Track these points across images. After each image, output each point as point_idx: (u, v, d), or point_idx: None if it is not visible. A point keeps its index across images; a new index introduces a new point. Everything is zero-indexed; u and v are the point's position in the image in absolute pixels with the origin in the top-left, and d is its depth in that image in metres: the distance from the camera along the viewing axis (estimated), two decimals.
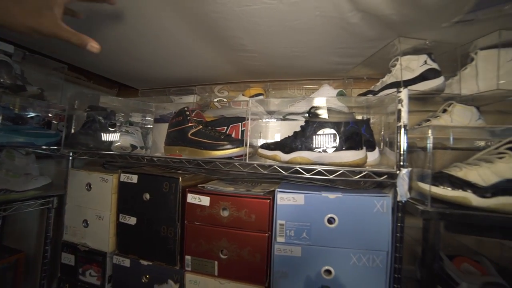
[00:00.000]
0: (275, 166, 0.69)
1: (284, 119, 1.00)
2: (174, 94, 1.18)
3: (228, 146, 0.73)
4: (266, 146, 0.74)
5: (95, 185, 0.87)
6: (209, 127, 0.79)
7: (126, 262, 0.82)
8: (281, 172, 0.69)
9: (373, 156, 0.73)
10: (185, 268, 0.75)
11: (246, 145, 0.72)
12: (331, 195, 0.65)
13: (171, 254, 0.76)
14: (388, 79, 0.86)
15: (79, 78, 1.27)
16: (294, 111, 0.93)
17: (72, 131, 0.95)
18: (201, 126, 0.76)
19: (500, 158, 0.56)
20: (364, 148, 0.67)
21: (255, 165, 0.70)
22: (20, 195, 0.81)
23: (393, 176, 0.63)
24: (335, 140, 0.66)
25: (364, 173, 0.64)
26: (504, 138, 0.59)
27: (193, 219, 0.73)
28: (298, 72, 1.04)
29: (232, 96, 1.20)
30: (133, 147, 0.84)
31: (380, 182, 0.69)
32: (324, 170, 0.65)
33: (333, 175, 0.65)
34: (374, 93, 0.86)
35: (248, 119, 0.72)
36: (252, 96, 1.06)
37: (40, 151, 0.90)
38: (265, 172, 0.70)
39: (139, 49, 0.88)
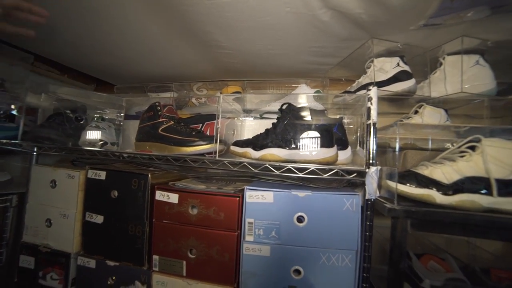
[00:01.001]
0: (245, 163, 0.68)
1: (261, 117, 1.00)
2: (152, 91, 1.15)
3: (199, 143, 0.71)
4: (238, 143, 0.73)
5: (60, 182, 0.83)
6: (181, 124, 0.77)
7: (92, 263, 0.78)
8: (251, 170, 0.68)
9: (344, 155, 0.73)
10: (153, 268, 0.72)
11: (216, 141, 0.70)
12: (301, 193, 0.65)
13: (139, 253, 0.73)
14: (363, 80, 0.87)
15: (51, 71, 1.22)
16: (271, 109, 0.93)
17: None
18: (172, 122, 0.74)
19: (462, 156, 0.58)
20: (335, 146, 0.67)
21: (225, 162, 0.68)
22: None
23: (362, 174, 0.63)
24: (306, 137, 0.66)
25: (334, 171, 0.64)
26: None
27: (161, 217, 0.71)
28: (276, 71, 1.04)
29: (211, 94, 1.18)
30: (104, 142, 0.81)
31: (352, 182, 0.70)
32: (295, 168, 0.65)
33: (303, 173, 0.65)
34: (350, 93, 0.87)
35: (218, 116, 0.71)
36: (230, 95, 1.05)
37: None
38: (234, 169, 0.68)
39: (116, 43, 0.86)
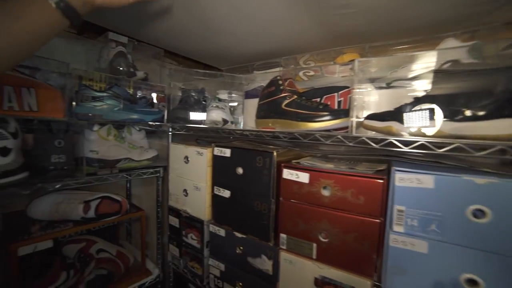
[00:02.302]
0: (392, 140, 0.56)
1: (388, 87, 0.82)
2: (258, 69, 1.14)
3: (328, 117, 0.63)
4: (376, 116, 0.61)
5: (191, 158, 0.94)
6: (304, 97, 0.71)
7: (222, 232, 0.86)
8: (400, 148, 0.55)
9: None
10: (280, 246, 0.72)
11: (350, 115, 0.60)
12: (479, 180, 0.48)
13: (265, 230, 0.74)
14: None
15: (172, 63, 1.41)
16: (402, 76, 0.74)
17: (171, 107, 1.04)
18: (295, 96, 0.69)
19: None
20: None
21: (364, 138, 0.58)
22: (137, 164, 0.94)
23: None
24: (486, 104, 0.48)
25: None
26: None
27: (289, 196, 0.69)
28: (405, 28, 0.82)
29: (318, 66, 1.07)
30: (225, 121, 0.85)
31: None
32: (466, 145, 0.48)
33: (483, 153, 0.48)
34: None
35: (354, 85, 0.60)
36: (347, 64, 0.91)
37: (147, 128, 1.04)
38: (377, 146, 0.57)
39: (226, 23, 0.86)
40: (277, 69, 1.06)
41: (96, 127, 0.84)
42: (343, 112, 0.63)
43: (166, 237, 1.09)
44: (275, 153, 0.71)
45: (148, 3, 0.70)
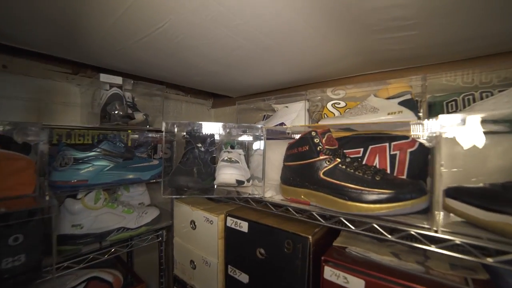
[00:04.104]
0: None
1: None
2: (277, 101, 0.95)
3: (391, 195, 0.42)
4: (474, 195, 0.39)
5: (199, 224, 0.75)
6: (349, 159, 0.50)
7: None
8: None
9: None
10: None
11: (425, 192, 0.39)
12: None
13: None
14: None
15: (178, 94, 1.26)
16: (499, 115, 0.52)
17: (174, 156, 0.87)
18: (338, 160, 0.49)
19: None
20: None
21: (463, 243, 0.36)
22: (134, 232, 0.76)
23: None
24: None
25: None
26: None
27: None
28: (470, 48, 0.61)
29: (351, 96, 0.86)
30: (239, 182, 0.65)
31: None
32: None
33: None
34: None
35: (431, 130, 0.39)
36: (392, 98, 0.69)
37: None
38: (491, 261, 0.35)
39: (242, 58, 0.69)
40: (301, 103, 0.86)
41: (80, 195, 0.67)
42: (417, 188, 0.42)
43: None
44: (311, 239, 0.50)
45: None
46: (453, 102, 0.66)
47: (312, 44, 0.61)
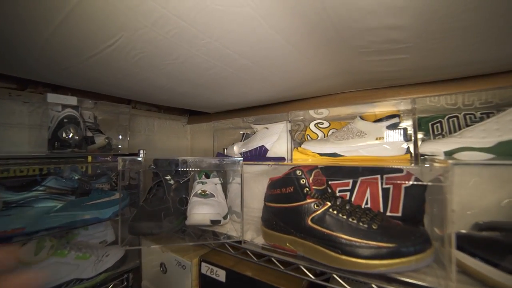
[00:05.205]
0: None
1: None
2: (256, 122, 0.87)
3: (392, 250, 0.35)
4: (481, 247, 0.33)
5: (171, 269, 0.64)
6: (340, 200, 0.43)
7: None
8: None
9: None
10: None
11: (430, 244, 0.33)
12: None
13: None
14: None
15: (150, 110, 1.14)
16: None
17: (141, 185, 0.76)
18: (328, 204, 0.41)
19: None
20: None
21: None
22: (90, 283, 0.64)
23: None
24: None
25: None
26: None
27: None
28: (458, 71, 0.58)
29: (335, 116, 0.81)
30: (215, 222, 0.56)
31: None
32: None
33: None
34: None
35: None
36: (379, 121, 0.64)
37: None
38: None
39: (219, 80, 0.61)
40: (282, 123, 0.79)
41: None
42: (421, 239, 0.36)
43: None
44: None
45: None
46: (438, 124, 0.65)
47: (293, 64, 0.54)
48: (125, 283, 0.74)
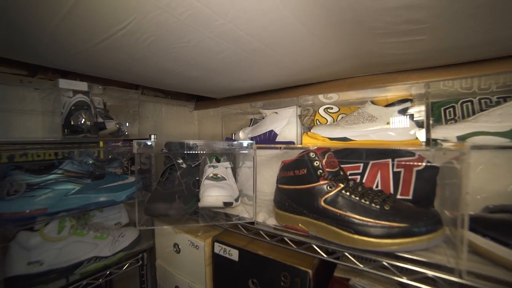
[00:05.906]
0: None
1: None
2: (264, 106, 0.87)
3: (404, 230, 0.37)
4: (491, 227, 0.34)
5: (184, 249, 0.67)
6: (353, 182, 0.44)
7: None
8: None
9: None
10: None
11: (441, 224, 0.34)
12: None
13: None
14: None
15: (157, 96, 1.14)
16: None
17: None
18: (341, 185, 0.42)
19: None
20: None
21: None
22: (109, 261, 0.67)
23: None
24: None
25: None
26: None
27: None
28: (475, 53, 0.56)
29: (345, 100, 0.80)
30: (227, 204, 0.58)
31: None
32: None
33: None
34: None
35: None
36: (391, 105, 0.63)
37: None
38: None
39: (229, 63, 0.60)
40: (292, 108, 0.79)
41: (38, 226, 0.57)
42: (433, 220, 0.37)
43: None
44: (310, 273, 0.44)
45: None
46: (451, 109, 0.63)
47: (306, 47, 0.53)
48: (141, 262, 0.77)
